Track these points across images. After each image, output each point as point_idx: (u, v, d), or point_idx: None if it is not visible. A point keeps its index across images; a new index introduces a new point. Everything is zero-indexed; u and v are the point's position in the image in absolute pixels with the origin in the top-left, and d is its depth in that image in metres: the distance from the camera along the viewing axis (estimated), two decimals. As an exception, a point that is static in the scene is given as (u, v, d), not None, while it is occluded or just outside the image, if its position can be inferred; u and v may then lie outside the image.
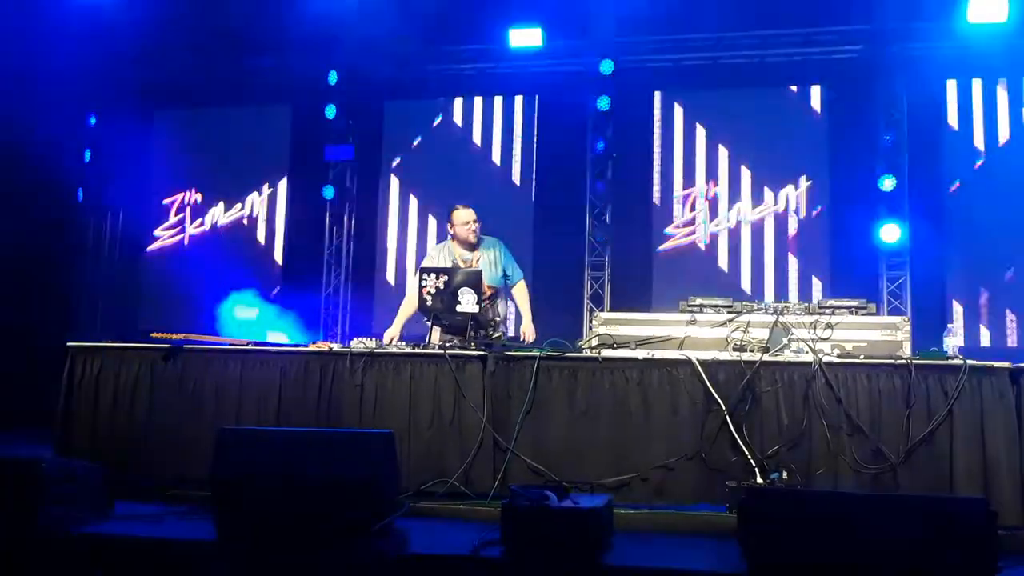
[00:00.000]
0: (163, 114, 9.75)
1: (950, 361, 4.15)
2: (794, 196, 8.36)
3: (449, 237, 5.65)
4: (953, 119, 8.13)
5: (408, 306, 5.53)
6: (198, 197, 9.60)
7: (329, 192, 9.01)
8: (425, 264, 5.57)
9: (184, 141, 9.64)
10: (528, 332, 5.56)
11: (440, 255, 5.59)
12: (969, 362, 4.06)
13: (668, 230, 8.57)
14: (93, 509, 3.77)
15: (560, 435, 4.31)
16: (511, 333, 6.54)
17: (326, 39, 8.64)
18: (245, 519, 3.38)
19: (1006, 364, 4.07)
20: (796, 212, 8.33)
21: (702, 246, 8.51)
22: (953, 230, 7.98)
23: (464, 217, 5.50)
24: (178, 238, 9.62)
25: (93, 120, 9.49)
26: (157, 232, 9.64)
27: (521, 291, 5.71)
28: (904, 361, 4.13)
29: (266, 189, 9.49)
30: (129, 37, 8.75)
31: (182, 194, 9.62)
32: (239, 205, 9.54)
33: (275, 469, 3.44)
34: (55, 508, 3.57)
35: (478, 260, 5.52)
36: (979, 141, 8.06)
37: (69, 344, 4.87)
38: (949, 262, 7.97)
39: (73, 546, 3.47)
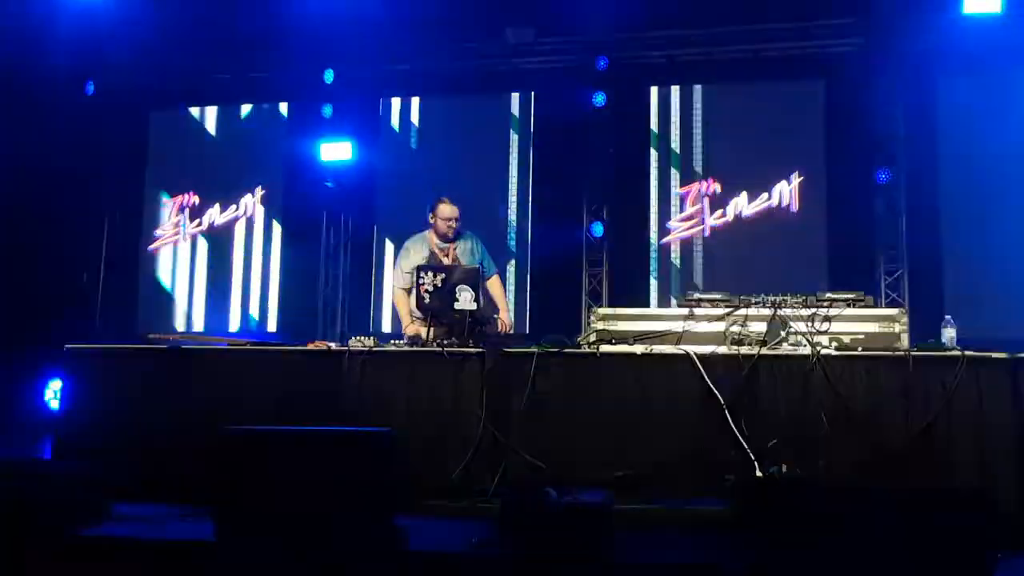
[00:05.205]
0: (159, 114, 9.74)
1: (948, 352, 4.15)
2: (792, 190, 8.34)
3: (429, 228, 5.66)
4: (949, 112, 8.11)
5: (405, 299, 5.56)
6: (196, 199, 9.58)
7: (327, 189, 8.97)
8: (404, 255, 5.63)
9: (180, 141, 9.65)
10: (505, 322, 5.71)
11: (416, 246, 5.63)
12: (967, 353, 4.06)
13: (670, 224, 8.56)
14: (91, 511, 3.77)
15: (559, 431, 4.31)
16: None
17: (323, 37, 8.62)
18: (245, 520, 3.38)
19: (1004, 355, 4.07)
20: (793, 206, 8.32)
21: (702, 240, 8.49)
22: (949, 222, 7.96)
23: (448, 213, 5.55)
24: (176, 238, 9.61)
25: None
26: (158, 232, 9.63)
27: (495, 285, 5.81)
28: (902, 353, 4.13)
29: (259, 190, 9.47)
30: (122, 36, 8.74)
31: (181, 196, 9.60)
32: (234, 206, 9.51)
33: (274, 469, 3.43)
34: (53, 511, 3.57)
35: (455, 250, 5.58)
36: (975, 134, 8.03)
37: (67, 346, 4.88)
38: (946, 253, 7.96)
39: (71, 548, 3.46)
